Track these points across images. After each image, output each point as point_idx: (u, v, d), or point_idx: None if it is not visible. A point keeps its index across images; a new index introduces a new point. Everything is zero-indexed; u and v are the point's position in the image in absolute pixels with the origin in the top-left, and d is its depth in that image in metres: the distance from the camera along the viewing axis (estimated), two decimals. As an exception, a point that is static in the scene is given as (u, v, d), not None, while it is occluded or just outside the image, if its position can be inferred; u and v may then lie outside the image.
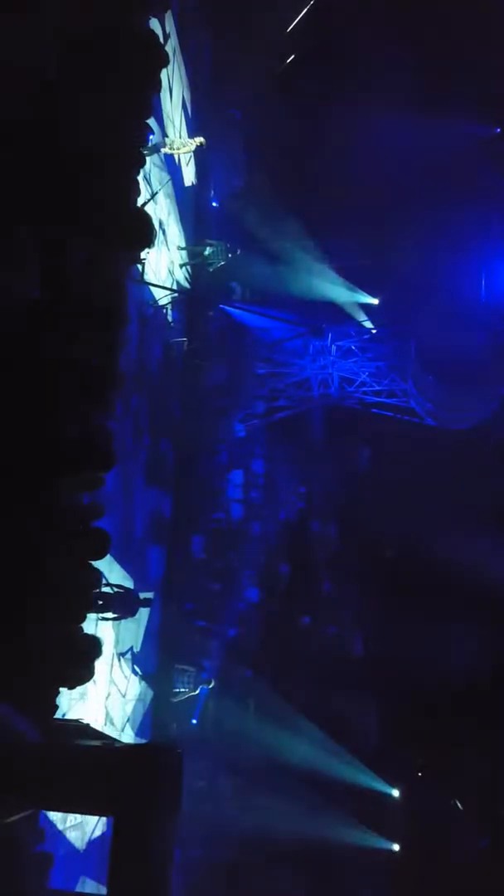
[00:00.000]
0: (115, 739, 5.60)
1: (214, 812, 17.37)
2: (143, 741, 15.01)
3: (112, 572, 13.27)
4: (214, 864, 17.32)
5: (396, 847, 20.03)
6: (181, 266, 18.92)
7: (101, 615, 11.32)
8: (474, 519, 21.34)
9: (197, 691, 15.70)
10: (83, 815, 9.20)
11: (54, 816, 9.66)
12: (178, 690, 15.66)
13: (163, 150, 15.14)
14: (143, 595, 12.64)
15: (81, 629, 6.52)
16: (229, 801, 17.80)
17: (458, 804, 16.33)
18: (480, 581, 21.09)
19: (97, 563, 7.08)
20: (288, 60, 21.94)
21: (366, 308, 21.04)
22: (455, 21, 20.56)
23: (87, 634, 6.49)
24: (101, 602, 10.71)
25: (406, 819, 20.63)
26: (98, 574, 6.86)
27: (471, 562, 21.23)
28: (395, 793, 20.58)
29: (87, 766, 4.66)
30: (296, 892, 18.81)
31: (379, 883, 19.68)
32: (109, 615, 11.58)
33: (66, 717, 6.85)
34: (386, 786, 20.38)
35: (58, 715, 7.26)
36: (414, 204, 20.92)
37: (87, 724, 5.97)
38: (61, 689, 6.30)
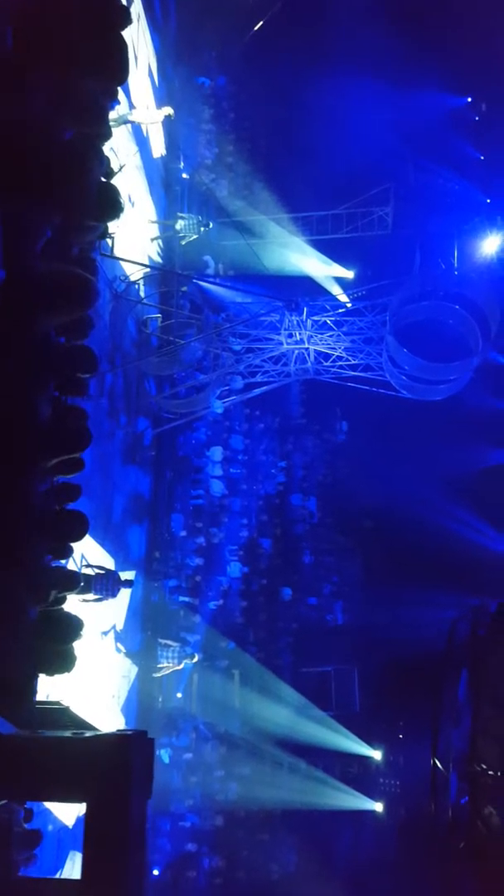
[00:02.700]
0: (90, 726, 5.66)
1: (202, 782, 17.70)
2: (127, 719, 15.20)
3: (93, 553, 13.30)
4: (204, 833, 17.70)
5: (379, 807, 20.63)
6: (153, 240, 18.67)
7: (82, 597, 11.33)
8: (449, 488, 21.71)
9: (181, 666, 15.86)
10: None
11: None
12: (161, 665, 15.80)
13: (129, 120, 14.81)
14: (124, 576, 12.65)
15: (62, 610, 6.56)
16: (216, 771, 18.13)
17: (438, 764, 16.78)
18: (456, 547, 21.54)
19: (76, 545, 7.10)
20: (256, 27, 21.47)
21: (341, 282, 21.03)
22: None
23: (67, 614, 6.52)
24: (82, 584, 10.72)
25: (388, 779, 21.24)
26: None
27: (446, 529, 21.64)
28: (378, 755, 21.15)
29: (57, 758, 4.72)
30: (285, 855, 19.34)
31: (363, 842, 20.29)
32: (90, 596, 11.58)
33: (47, 699, 6.90)
34: (368, 748, 20.92)
35: (41, 695, 7.32)
36: (386, 174, 20.80)
37: (67, 708, 6.02)
38: (41, 675, 6.35)
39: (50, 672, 6.33)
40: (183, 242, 18.59)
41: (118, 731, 5.45)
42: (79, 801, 4.70)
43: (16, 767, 4.65)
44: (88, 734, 5.09)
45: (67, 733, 5.15)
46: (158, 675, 15.94)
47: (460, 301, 17.19)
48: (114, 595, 12.02)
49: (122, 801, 4.50)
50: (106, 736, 5.10)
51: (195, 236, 18.55)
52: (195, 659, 15.99)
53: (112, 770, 4.58)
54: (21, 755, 4.71)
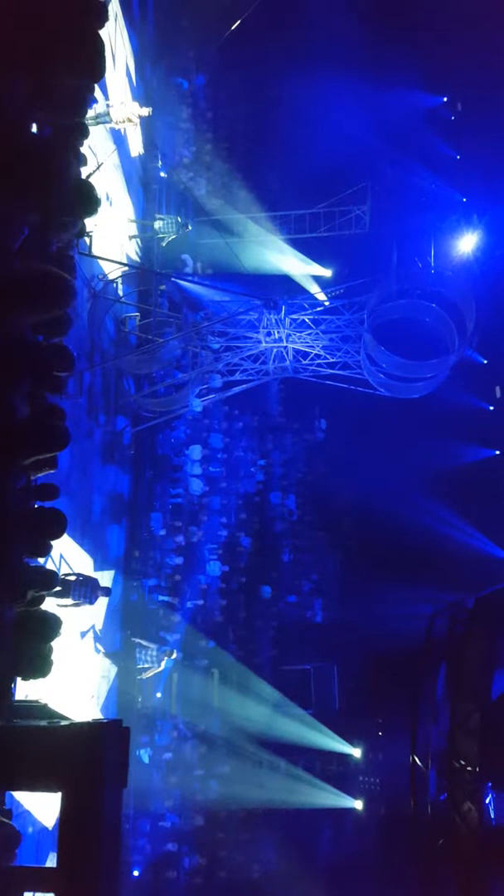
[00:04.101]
0: (68, 719, 5.63)
1: (182, 782, 17.66)
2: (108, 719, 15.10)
3: (71, 553, 13.20)
4: (184, 832, 17.66)
5: (359, 804, 20.74)
6: (131, 238, 18.58)
7: (59, 602, 11.20)
8: (427, 485, 21.90)
9: (162, 667, 15.80)
10: (49, 795, 9.26)
11: (21, 796, 9.71)
12: (142, 667, 15.71)
13: (108, 125, 14.72)
14: (103, 583, 12.54)
15: (40, 609, 6.50)
16: (196, 771, 18.09)
17: (418, 761, 16.90)
18: (434, 544, 21.73)
19: (55, 544, 7.03)
20: (234, 26, 21.45)
21: (319, 280, 21.10)
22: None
23: (45, 613, 6.47)
24: (59, 586, 10.61)
25: (368, 777, 21.36)
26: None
27: (424, 526, 21.82)
28: (357, 752, 21.27)
29: (32, 747, 4.71)
30: (266, 854, 19.37)
31: (344, 839, 20.39)
32: (67, 601, 11.44)
33: (26, 699, 6.85)
34: (348, 746, 21.03)
35: (19, 696, 7.25)
36: (363, 173, 20.89)
37: (45, 705, 5.98)
38: (18, 678, 6.29)
39: (26, 676, 6.28)
40: (164, 244, 18.56)
41: (93, 720, 5.43)
42: (53, 790, 4.68)
43: None
44: (63, 723, 5.07)
45: (43, 723, 5.13)
46: (144, 676, 15.83)
47: (437, 299, 17.33)
48: (91, 602, 11.91)
49: (97, 790, 4.50)
50: (80, 725, 5.09)
51: (174, 235, 18.51)
52: (174, 655, 15.96)
53: (86, 759, 4.58)
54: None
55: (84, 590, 11.77)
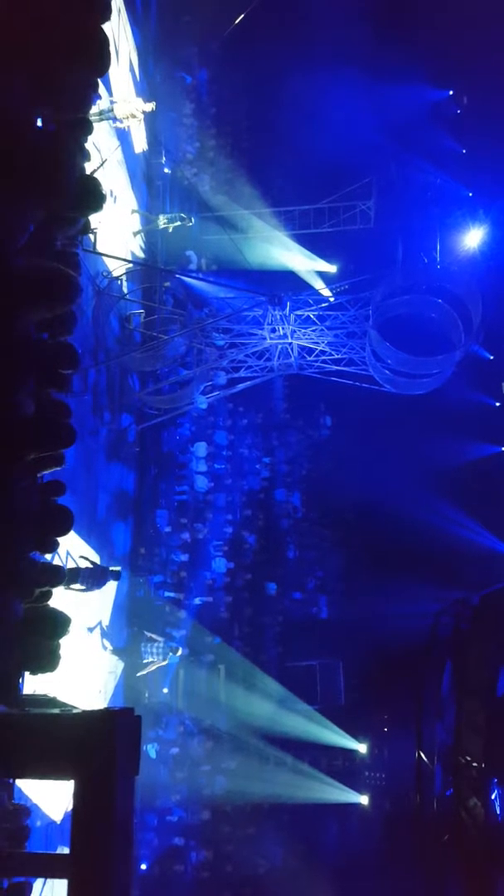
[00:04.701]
0: (79, 708, 5.69)
1: (189, 777, 17.73)
2: (120, 707, 15.15)
3: (78, 550, 13.24)
4: (191, 827, 17.73)
5: (365, 800, 20.78)
6: (135, 234, 18.57)
7: (68, 587, 11.37)
8: (432, 482, 21.85)
9: (166, 661, 15.85)
10: (57, 788, 9.33)
11: (29, 790, 9.77)
12: (146, 661, 15.75)
13: (110, 115, 14.70)
14: (112, 569, 12.64)
15: (48, 606, 6.53)
16: (203, 766, 18.16)
17: (423, 756, 16.95)
18: (440, 541, 21.70)
19: (61, 541, 7.06)
20: (237, 21, 21.39)
21: (324, 276, 21.06)
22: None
23: (54, 611, 6.49)
24: (67, 577, 10.68)
25: (373, 772, 21.40)
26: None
27: (430, 523, 21.79)
28: (363, 748, 21.30)
29: (45, 734, 4.76)
30: (271, 848, 19.43)
31: (349, 835, 20.44)
32: (76, 586, 11.60)
33: (34, 693, 6.89)
34: (353, 741, 21.06)
35: (27, 691, 7.28)
36: (368, 168, 20.82)
37: (54, 698, 6.02)
38: (27, 672, 6.32)
39: (35, 670, 6.31)
40: (170, 229, 18.49)
41: (106, 708, 5.49)
42: (66, 777, 4.72)
43: (3, 745, 4.67)
44: (76, 711, 5.12)
45: (55, 710, 5.18)
46: (143, 672, 15.89)
47: (443, 295, 17.28)
48: (100, 586, 12.04)
49: (110, 775, 4.54)
50: (92, 712, 5.14)
51: (178, 223, 18.47)
52: (179, 652, 15.99)
53: (99, 746, 4.61)
54: (8, 732, 4.73)
55: (93, 574, 11.93)
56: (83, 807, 4.56)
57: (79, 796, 4.59)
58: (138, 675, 15.95)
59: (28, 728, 4.88)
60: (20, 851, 6.50)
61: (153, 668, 15.90)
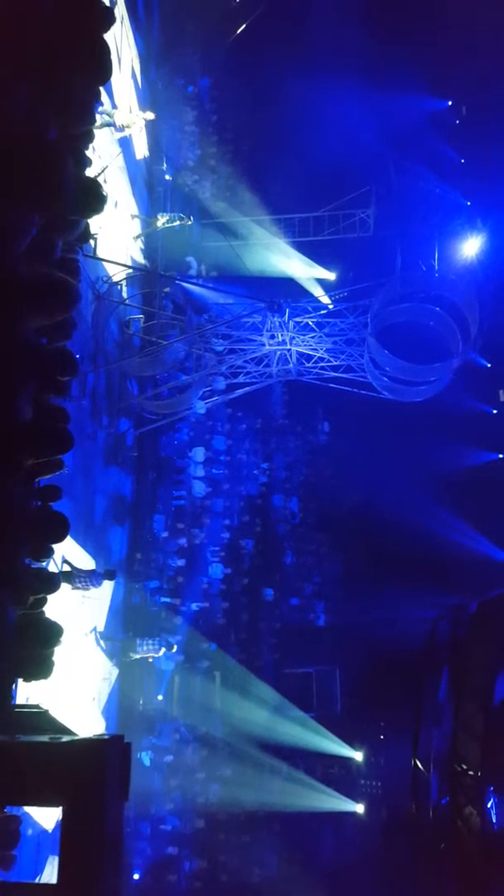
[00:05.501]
0: (69, 730, 5.64)
1: (183, 785, 17.64)
2: (107, 721, 15.10)
3: (74, 555, 13.21)
4: (185, 836, 17.63)
5: (361, 808, 20.69)
6: (135, 238, 18.61)
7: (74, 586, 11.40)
8: (430, 488, 21.86)
9: (160, 653, 15.81)
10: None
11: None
12: (141, 648, 15.70)
13: (112, 122, 14.75)
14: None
15: (42, 615, 6.51)
16: (197, 774, 18.07)
17: (419, 764, 16.86)
18: (437, 547, 21.69)
19: (57, 546, 7.04)
20: (239, 30, 21.50)
21: (323, 283, 21.11)
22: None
23: (47, 620, 6.48)
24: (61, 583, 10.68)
25: (369, 781, 21.32)
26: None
27: (427, 529, 21.79)
28: (359, 756, 21.23)
29: (33, 763, 4.72)
30: (266, 857, 19.33)
31: (345, 843, 20.34)
32: (78, 586, 11.64)
33: (26, 703, 6.85)
34: (349, 749, 20.99)
35: (20, 698, 7.25)
36: (368, 177, 20.90)
37: (46, 711, 5.98)
38: (20, 679, 6.29)
39: (28, 678, 6.28)
40: (173, 225, 18.50)
41: (95, 735, 5.43)
42: (55, 805, 4.69)
43: None
44: (65, 739, 5.07)
45: (45, 738, 5.13)
46: (136, 656, 15.75)
47: (441, 303, 17.31)
48: (97, 585, 12.05)
49: (99, 805, 4.50)
50: (82, 741, 5.08)
51: (177, 222, 18.50)
52: (174, 648, 16.00)
53: (88, 775, 4.58)
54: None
55: (88, 576, 11.96)
56: (72, 835, 4.53)
57: (67, 824, 4.56)
58: (131, 656, 15.83)
59: (17, 756, 4.83)
60: (5, 882, 6.40)
61: (143, 655, 15.84)
